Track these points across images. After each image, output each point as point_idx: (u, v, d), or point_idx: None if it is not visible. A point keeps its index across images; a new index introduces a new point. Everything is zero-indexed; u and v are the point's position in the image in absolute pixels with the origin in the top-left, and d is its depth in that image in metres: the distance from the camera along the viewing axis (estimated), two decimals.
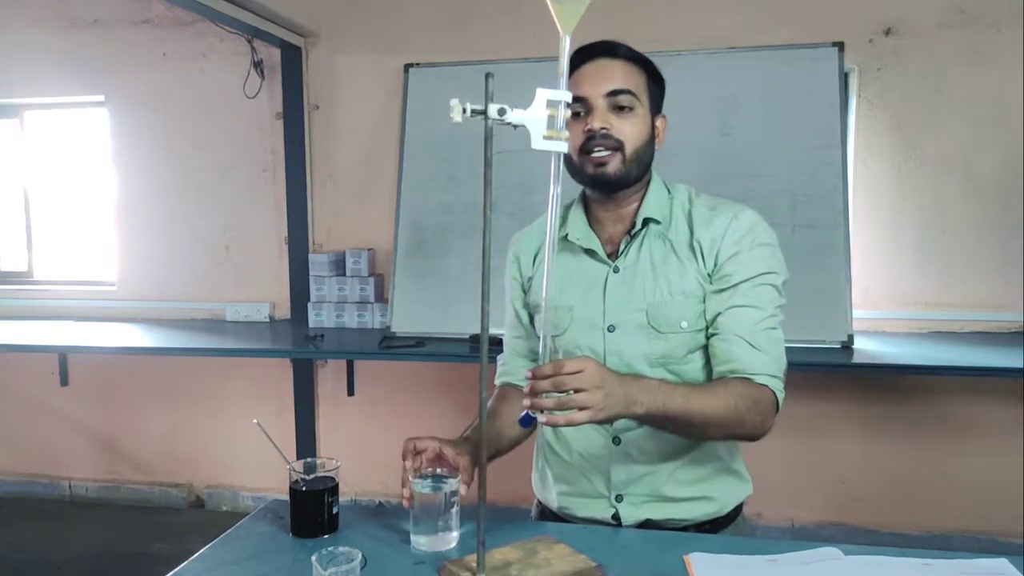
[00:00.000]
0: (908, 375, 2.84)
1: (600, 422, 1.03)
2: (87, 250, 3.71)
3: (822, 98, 2.77)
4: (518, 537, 1.14)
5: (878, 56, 2.87)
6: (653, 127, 1.26)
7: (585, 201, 1.33)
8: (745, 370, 1.17)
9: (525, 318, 1.40)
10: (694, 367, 1.25)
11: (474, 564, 1.02)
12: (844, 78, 2.81)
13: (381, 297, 3.21)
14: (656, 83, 1.27)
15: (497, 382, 1.43)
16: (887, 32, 2.86)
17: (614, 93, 1.20)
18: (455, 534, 1.14)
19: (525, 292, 1.38)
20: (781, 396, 1.19)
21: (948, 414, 2.93)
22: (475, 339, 2.74)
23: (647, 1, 2.97)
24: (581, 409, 0.99)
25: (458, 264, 2.96)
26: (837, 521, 3.04)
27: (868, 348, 2.67)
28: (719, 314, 1.20)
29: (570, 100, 0.94)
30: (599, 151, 1.20)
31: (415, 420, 3.35)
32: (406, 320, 2.99)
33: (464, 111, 0.91)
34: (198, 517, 3.50)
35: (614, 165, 1.21)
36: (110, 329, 3.27)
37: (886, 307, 2.94)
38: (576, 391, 0.98)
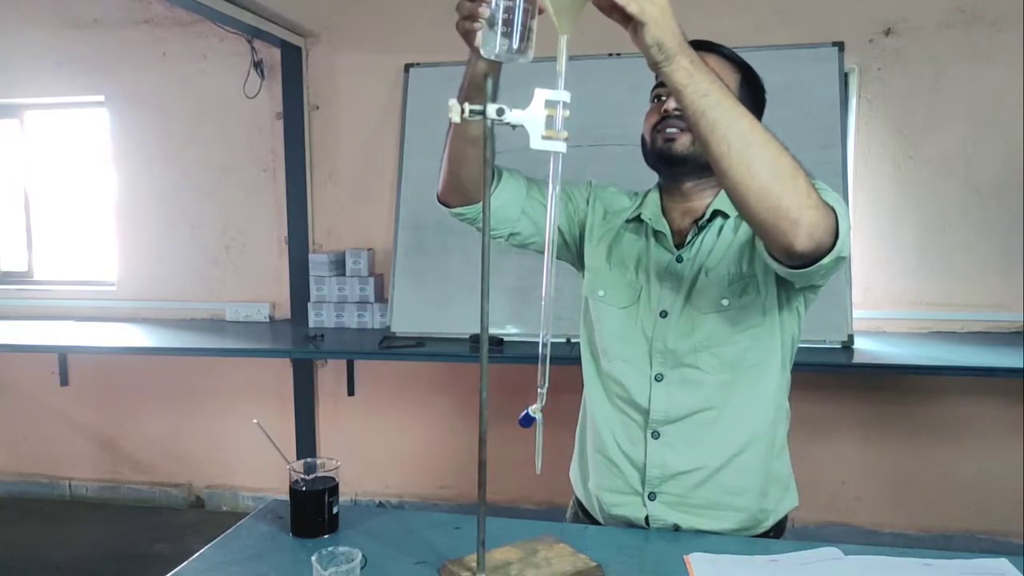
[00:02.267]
0: (908, 375, 2.84)
1: (648, 43, 0.91)
2: (87, 250, 3.71)
3: (822, 98, 2.76)
4: (519, 537, 1.14)
5: (878, 56, 2.87)
6: None
7: (660, 192, 1.33)
8: None
9: (561, 217, 1.36)
10: (738, 349, 1.21)
11: (474, 564, 1.02)
12: (844, 78, 2.81)
13: (381, 297, 3.21)
14: (752, 88, 1.26)
15: None
16: (887, 32, 2.86)
17: None
18: (531, 52, 0.97)
19: (582, 227, 1.37)
20: (845, 228, 1.01)
21: (948, 414, 2.93)
22: (475, 339, 2.74)
23: None
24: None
25: (458, 264, 2.96)
26: (837, 521, 3.05)
27: (868, 348, 2.67)
28: None
29: (568, 100, 0.93)
30: (670, 129, 1.20)
31: (415, 420, 3.36)
32: (406, 320, 2.99)
33: (463, 111, 0.90)
34: (198, 517, 3.50)
35: (682, 142, 1.20)
36: (110, 329, 3.27)
37: (886, 307, 2.94)
38: None
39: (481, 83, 1.04)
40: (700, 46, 1.23)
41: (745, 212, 0.99)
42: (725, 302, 1.21)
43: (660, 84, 1.24)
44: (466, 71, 1.10)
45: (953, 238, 2.90)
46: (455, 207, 1.32)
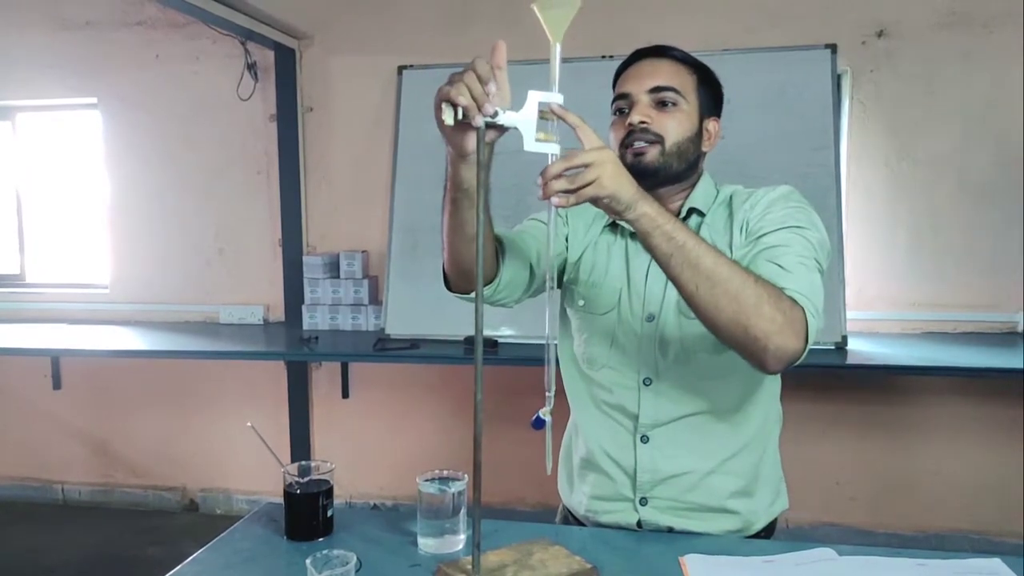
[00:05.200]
0: (901, 375, 2.86)
1: (606, 202, 0.97)
2: (80, 253, 3.70)
3: (815, 100, 2.78)
4: (513, 539, 1.14)
5: (871, 58, 2.89)
6: (701, 127, 1.24)
7: None
8: (770, 279, 1.06)
9: (541, 242, 1.30)
10: (730, 356, 1.16)
11: (469, 566, 1.02)
12: (837, 80, 2.82)
13: (375, 299, 3.20)
14: (709, 87, 1.26)
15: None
16: (880, 34, 2.88)
17: (657, 89, 1.20)
18: (462, 536, 1.14)
19: (567, 246, 1.34)
20: (814, 324, 1.05)
21: (941, 414, 2.94)
22: (470, 341, 2.74)
23: (640, 4, 2.98)
24: (589, 185, 0.94)
25: None
26: (831, 521, 3.06)
27: (861, 349, 2.67)
28: (752, 256, 1.13)
29: (561, 102, 0.94)
30: (638, 143, 1.20)
31: (410, 422, 3.35)
32: (400, 322, 2.99)
33: (456, 113, 0.91)
34: (192, 520, 3.49)
35: (652, 155, 1.20)
36: (103, 332, 3.26)
37: (879, 308, 2.95)
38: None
39: (467, 189, 1.07)
40: (653, 52, 1.24)
41: (717, 337, 1.06)
42: None
43: (621, 96, 1.24)
44: (448, 174, 1.09)
45: (945, 239, 2.91)
46: (465, 293, 1.24)
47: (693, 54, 1.27)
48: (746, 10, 2.93)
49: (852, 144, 2.94)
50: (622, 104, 1.24)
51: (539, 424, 1.06)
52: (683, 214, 1.25)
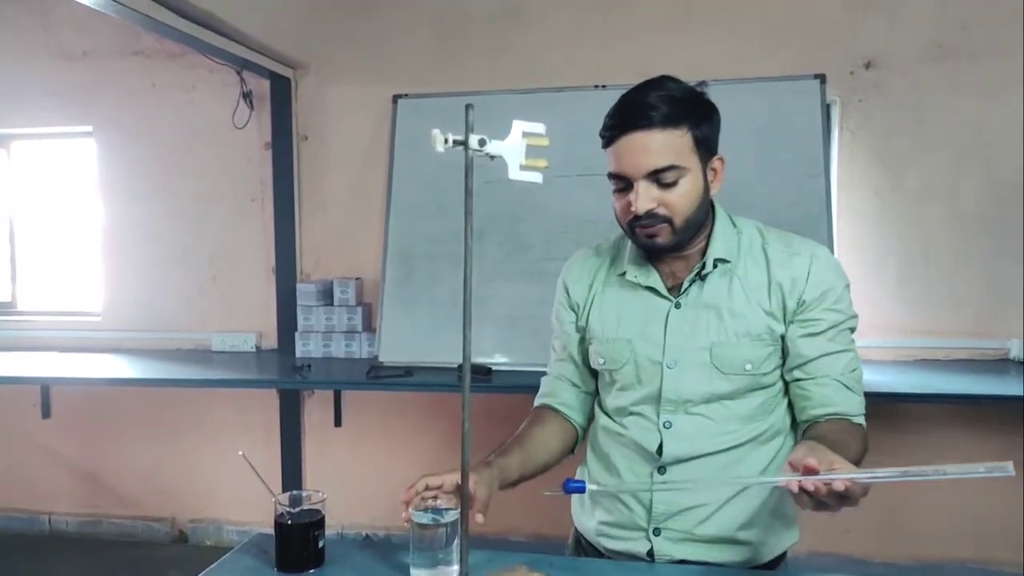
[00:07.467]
0: (893, 403, 2.85)
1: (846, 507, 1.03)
2: (72, 281, 3.68)
3: (805, 129, 2.80)
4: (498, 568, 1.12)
5: (859, 88, 2.93)
6: (706, 176, 1.21)
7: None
8: (847, 413, 1.20)
9: (575, 346, 1.38)
10: (748, 404, 1.23)
11: None
12: (827, 109, 2.85)
13: (369, 327, 3.20)
14: (706, 127, 1.19)
15: (536, 403, 1.41)
16: (867, 65, 2.92)
17: (656, 172, 1.15)
18: (455, 567, 1.12)
19: (578, 320, 1.36)
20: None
21: (936, 442, 2.93)
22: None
23: (631, 34, 3.02)
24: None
25: (446, 293, 2.96)
26: (828, 551, 3.02)
27: None
28: (813, 359, 1.21)
29: (543, 131, 0.95)
30: (648, 228, 1.19)
31: (403, 451, 3.32)
32: (394, 350, 2.98)
33: (446, 141, 0.91)
34: (181, 552, 3.43)
35: (664, 236, 1.19)
36: (94, 360, 3.23)
37: (870, 336, 2.95)
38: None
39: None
40: (636, 122, 1.14)
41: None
42: (749, 367, 1.21)
43: (617, 176, 1.19)
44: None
45: (936, 267, 2.92)
46: None
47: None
48: (736, 40, 2.97)
49: (842, 172, 2.97)
50: (619, 184, 1.20)
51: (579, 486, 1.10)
52: (709, 267, 1.24)
